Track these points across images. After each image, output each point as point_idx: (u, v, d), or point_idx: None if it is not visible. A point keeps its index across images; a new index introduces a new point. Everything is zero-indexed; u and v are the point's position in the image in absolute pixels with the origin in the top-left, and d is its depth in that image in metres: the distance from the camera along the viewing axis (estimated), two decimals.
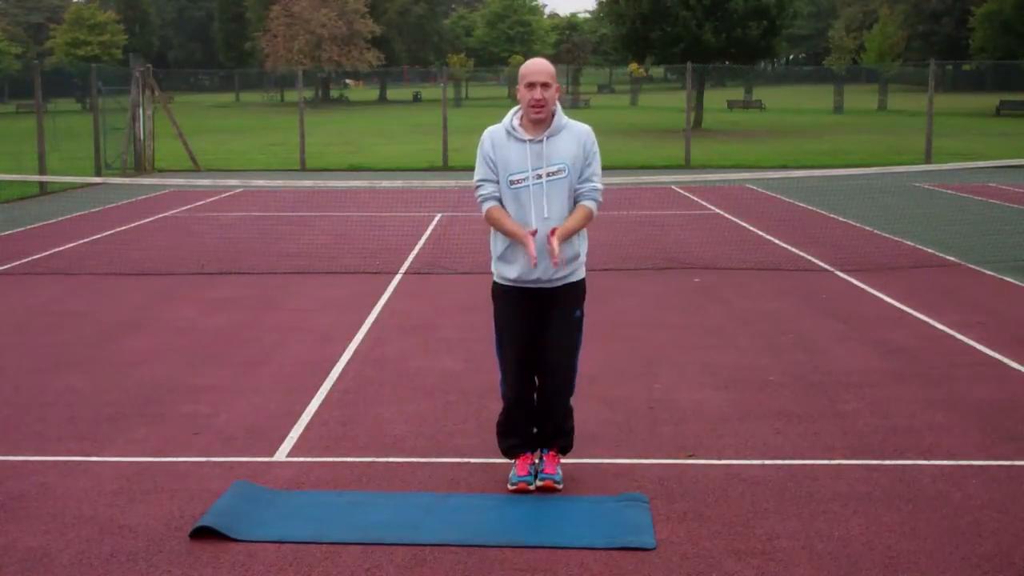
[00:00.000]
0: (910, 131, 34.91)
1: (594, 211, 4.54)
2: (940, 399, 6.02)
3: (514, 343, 4.59)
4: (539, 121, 4.45)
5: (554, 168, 4.44)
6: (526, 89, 4.40)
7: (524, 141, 4.46)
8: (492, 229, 4.60)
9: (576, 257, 4.56)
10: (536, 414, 4.71)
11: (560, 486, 4.62)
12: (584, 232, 4.60)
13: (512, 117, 4.54)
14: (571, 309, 4.61)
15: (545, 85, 4.38)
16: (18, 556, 4.03)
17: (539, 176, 4.44)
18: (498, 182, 4.51)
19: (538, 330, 4.58)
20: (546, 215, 4.44)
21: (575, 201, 4.53)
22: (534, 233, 4.40)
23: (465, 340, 7.43)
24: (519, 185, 4.46)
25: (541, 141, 4.46)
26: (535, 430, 4.72)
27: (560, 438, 4.71)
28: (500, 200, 4.53)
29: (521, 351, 4.59)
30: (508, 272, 4.56)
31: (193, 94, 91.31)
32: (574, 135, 4.50)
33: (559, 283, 4.54)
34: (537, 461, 4.69)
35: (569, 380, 4.66)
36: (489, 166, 4.52)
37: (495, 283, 4.66)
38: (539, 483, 4.59)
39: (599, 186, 4.55)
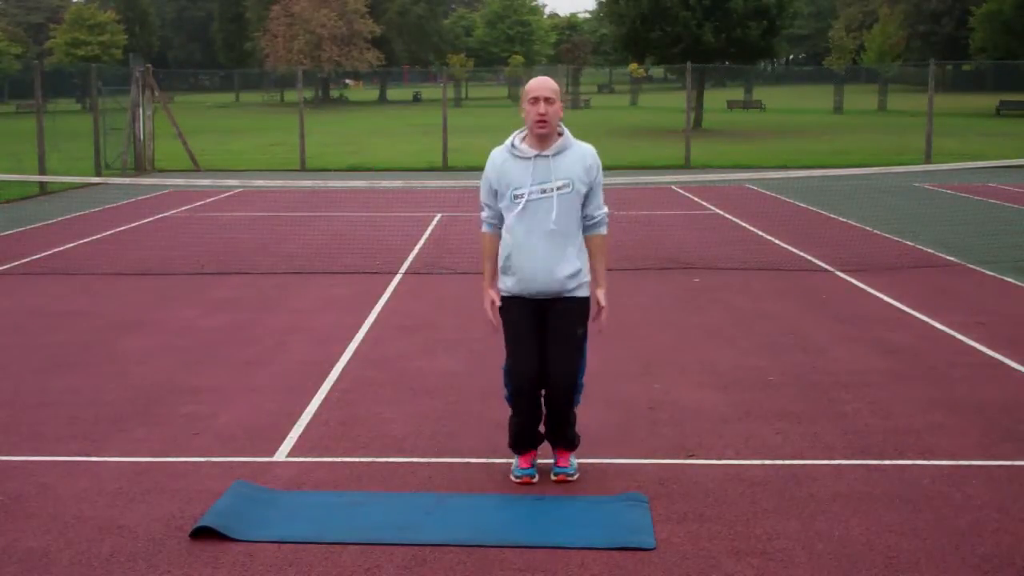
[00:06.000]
0: (910, 131, 34.90)
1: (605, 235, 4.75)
2: (940, 399, 6.02)
3: (526, 358, 4.58)
4: (544, 136, 4.51)
5: (560, 183, 4.51)
6: (530, 105, 4.48)
7: (528, 158, 4.53)
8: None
9: (577, 272, 4.58)
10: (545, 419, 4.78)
11: (574, 477, 4.74)
12: (582, 248, 4.63)
13: (515, 137, 4.61)
14: (573, 326, 4.62)
15: (548, 100, 4.46)
16: (18, 556, 4.03)
17: (544, 190, 4.49)
18: (495, 208, 4.64)
19: (543, 343, 4.63)
20: (553, 227, 4.48)
21: (587, 227, 4.63)
22: (493, 303, 4.65)
23: (465, 340, 7.43)
24: (522, 199, 4.51)
25: (547, 157, 4.52)
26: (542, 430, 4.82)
27: (563, 442, 4.81)
28: (498, 225, 4.67)
29: (533, 369, 4.57)
30: (509, 283, 4.60)
31: (193, 94, 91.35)
32: (579, 155, 4.58)
33: (561, 294, 4.57)
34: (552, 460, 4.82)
35: (571, 396, 4.70)
36: (489, 190, 4.65)
37: (501, 297, 4.70)
38: (554, 478, 4.74)
39: (607, 210, 4.72)
